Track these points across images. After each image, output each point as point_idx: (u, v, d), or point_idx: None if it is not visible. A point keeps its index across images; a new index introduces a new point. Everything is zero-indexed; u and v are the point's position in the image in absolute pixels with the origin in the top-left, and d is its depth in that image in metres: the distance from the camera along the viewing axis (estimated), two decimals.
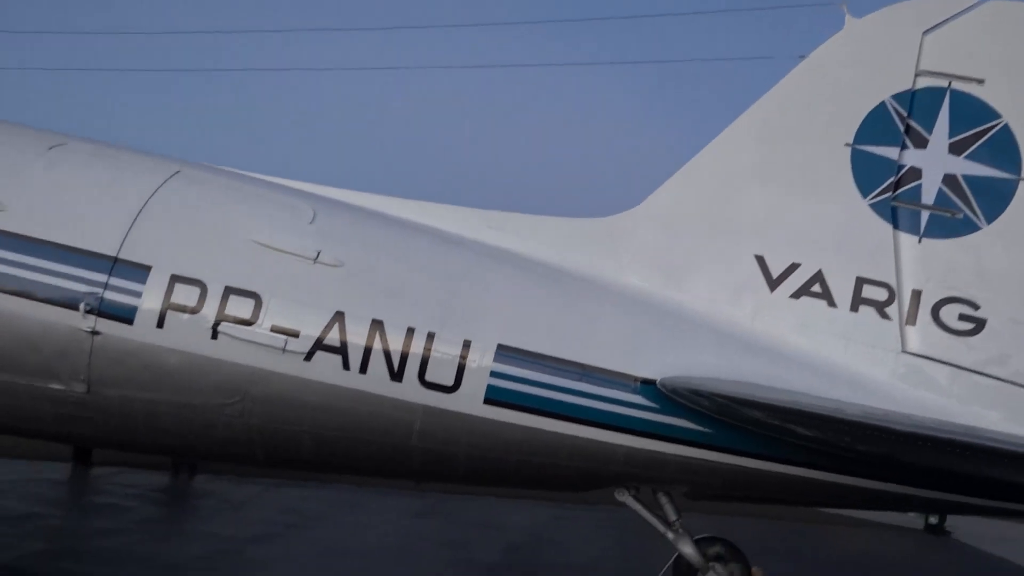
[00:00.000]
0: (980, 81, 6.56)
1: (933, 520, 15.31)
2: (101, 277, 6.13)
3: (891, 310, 6.35)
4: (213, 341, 6.07)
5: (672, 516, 6.51)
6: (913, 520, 15.09)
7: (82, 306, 6.06)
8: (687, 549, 6.35)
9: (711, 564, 6.35)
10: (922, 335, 6.30)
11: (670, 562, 6.57)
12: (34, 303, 6.13)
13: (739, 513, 13.60)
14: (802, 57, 6.90)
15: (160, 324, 6.11)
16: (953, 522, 15.14)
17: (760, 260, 6.56)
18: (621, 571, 9.00)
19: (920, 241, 6.44)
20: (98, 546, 8.69)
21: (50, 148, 6.94)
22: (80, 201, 6.54)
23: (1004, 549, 14.03)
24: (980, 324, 6.27)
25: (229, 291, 6.13)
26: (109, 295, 6.10)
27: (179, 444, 6.71)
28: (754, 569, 6.45)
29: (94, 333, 6.07)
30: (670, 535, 6.43)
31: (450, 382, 6.03)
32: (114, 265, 6.17)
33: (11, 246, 6.23)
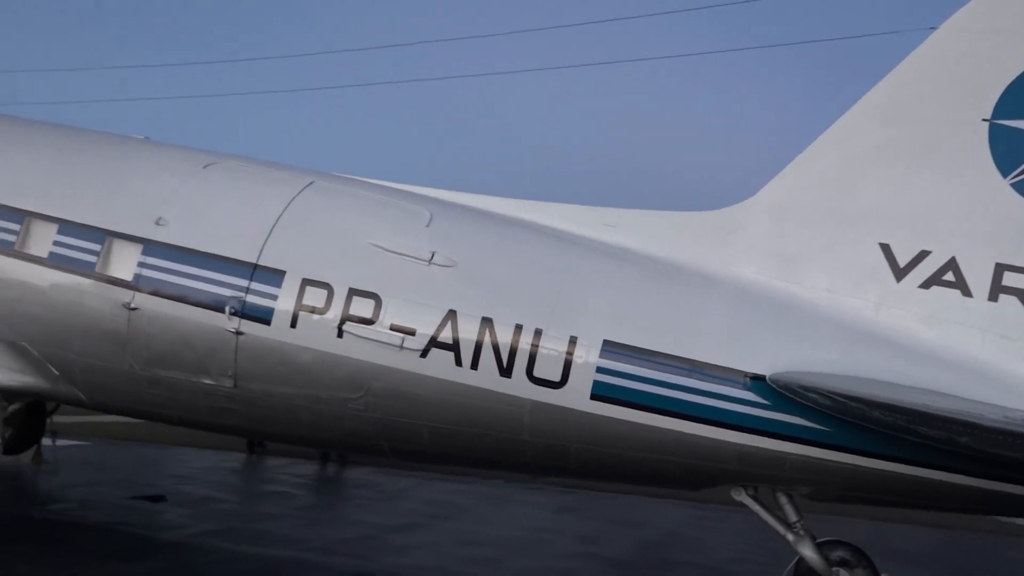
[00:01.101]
0: None
1: None
2: (243, 282, 6.75)
3: None
4: (339, 339, 6.52)
5: (793, 517, 6.26)
6: None
7: (227, 308, 6.71)
8: (808, 552, 6.08)
9: (835, 569, 6.05)
10: None
11: (791, 565, 6.31)
12: (189, 307, 6.85)
13: (891, 519, 12.80)
14: (932, 29, 6.43)
15: (293, 324, 6.63)
16: None
17: (886, 248, 6.18)
18: (751, 572, 8.70)
19: None
20: (258, 528, 9.50)
21: (204, 167, 7.72)
22: (227, 213, 7.23)
23: None
24: None
25: (352, 292, 6.55)
26: (250, 298, 6.71)
27: (314, 435, 7.22)
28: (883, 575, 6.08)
29: (238, 333, 6.69)
30: (791, 537, 6.19)
31: (557, 378, 6.13)
32: (254, 271, 6.77)
33: (170, 256, 7.00)
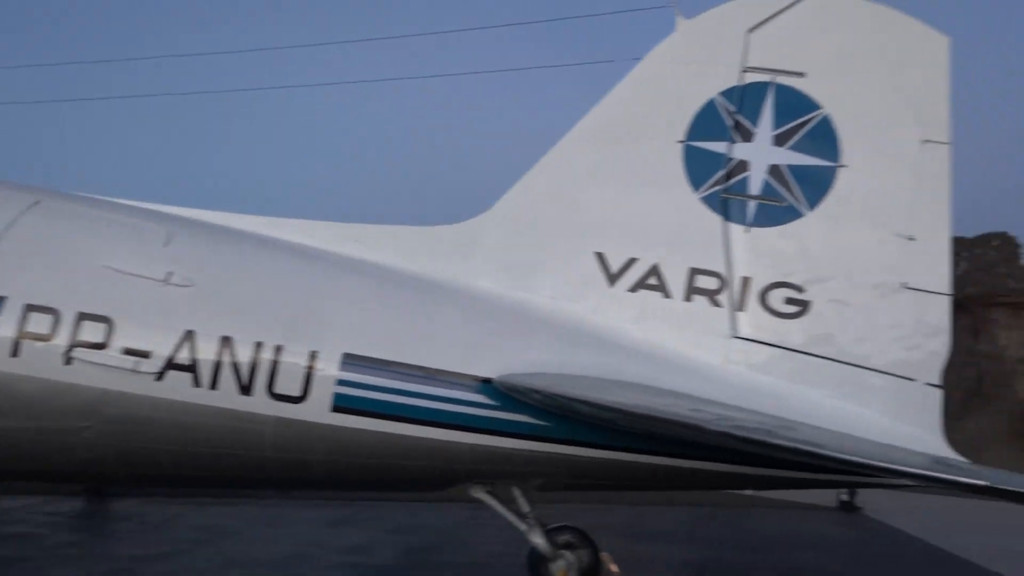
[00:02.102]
0: (801, 74, 6.87)
1: (844, 497, 15.74)
2: None
3: (722, 298, 6.63)
4: (67, 366, 6.23)
5: (525, 508, 6.73)
6: (826, 498, 15.49)
7: None
8: (537, 539, 6.58)
9: (560, 552, 6.59)
10: (751, 320, 6.60)
11: (527, 554, 6.79)
12: None
13: (654, 502, 14.02)
14: (637, 60, 7.19)
15: (15, 353, 6.26)
16: (863, 498, 15.60)
17: (600, 257, 6.83)
18: (509, 565, 9.20)
19: (748, 230, 6.73)
20: None
21: None
22: None
23: (903, 521, 14.56)
24: (805, 306, 6.58)
25: (82, 316, 6.29)
26: None
27: (43, 469, 6.84)
28: (603, 555, 6.70)
29: None
30: (523, 527, 6.66)
31: (298, 392, 6.22)
32: None
33: None
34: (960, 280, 33.64)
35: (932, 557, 11.91)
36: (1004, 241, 39.14)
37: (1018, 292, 24.70)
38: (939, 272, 6.55)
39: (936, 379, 6.45)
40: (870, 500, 15.62)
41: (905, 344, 6.49)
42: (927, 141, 6.65)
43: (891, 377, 6.46)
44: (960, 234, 38.92)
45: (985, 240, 39.20)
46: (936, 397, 6.45)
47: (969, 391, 23.37)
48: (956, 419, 23.35)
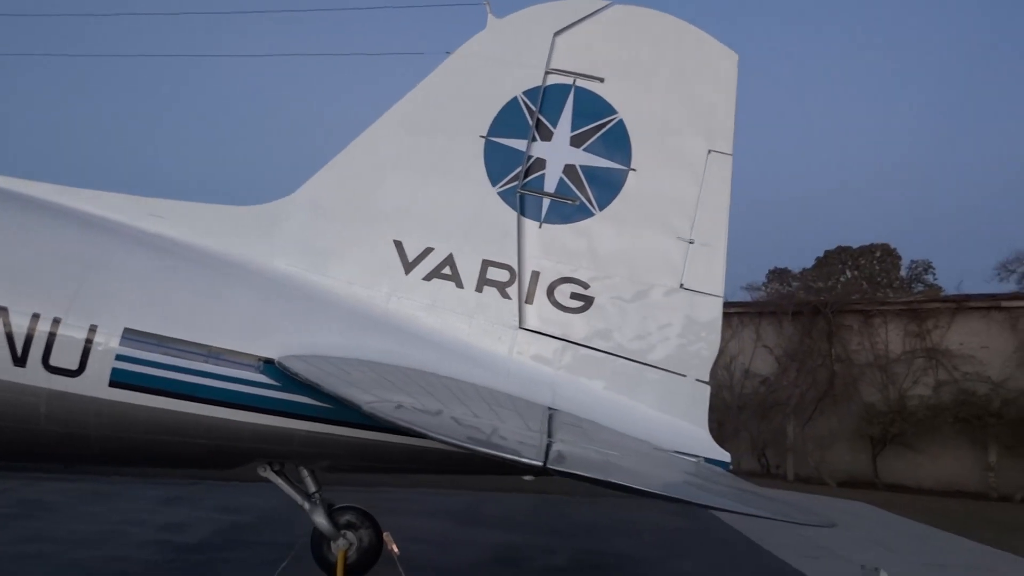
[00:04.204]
0: (601, 79, 7.16)
1: None
2: None
3: (511, 290, 6.87)
4: None
5: (311, 489, 6.85)
6: None
7: None
8: (319, 519, 6.71)
9: (342, 532, 6.73)
10: (538, 312, 6.86)
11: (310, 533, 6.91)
12: None
13: (501, 488, 14.31)
14: (448, 53, 7.34)
15: None
16: None
17: (398, 245, 6.97)
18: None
19: (541, 226, 6.99)
20: None
21: None
22: None
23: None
24: (589, 302, 6.88)
25: None
26: None
27: None
28: (385, 534, 6.87)
29: None
30: (306, 506, 6.77)
31: (75, 366, 6.14)
32: None
33: None
34: (845, 287, 35.51)
35: (735, 549, 12.22)
36: (885, 252, 41.48)
37: (868, 300, 26.14)
38: (714, 275, 6.95)
39: (705, 376, 6.86)
40: None
41: (679, 342, 6.86)
42: (712, 151, 7.04)
43: (665, 372, 6.83)
44: (847, 244, 41.16)
45: (869, 251, 41.45)
46: (705, 392, 6.85)
47: (822, 392, 24.66)
48: (810, 418, 24.76)
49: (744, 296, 28.61)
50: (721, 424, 26.20)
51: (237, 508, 11.96)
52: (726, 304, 27.53)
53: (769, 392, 25.33)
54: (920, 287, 38.29)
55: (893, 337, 24.36)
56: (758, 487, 6.04)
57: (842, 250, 41.14)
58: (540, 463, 4.35)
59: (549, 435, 5.16)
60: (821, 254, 40.51)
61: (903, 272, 40.71)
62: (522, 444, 4.99)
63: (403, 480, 15.25)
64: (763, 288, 31.75)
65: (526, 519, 13.43)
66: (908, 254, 40.42)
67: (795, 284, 37.58)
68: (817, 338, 25.32)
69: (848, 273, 40.85)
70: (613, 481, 4.45)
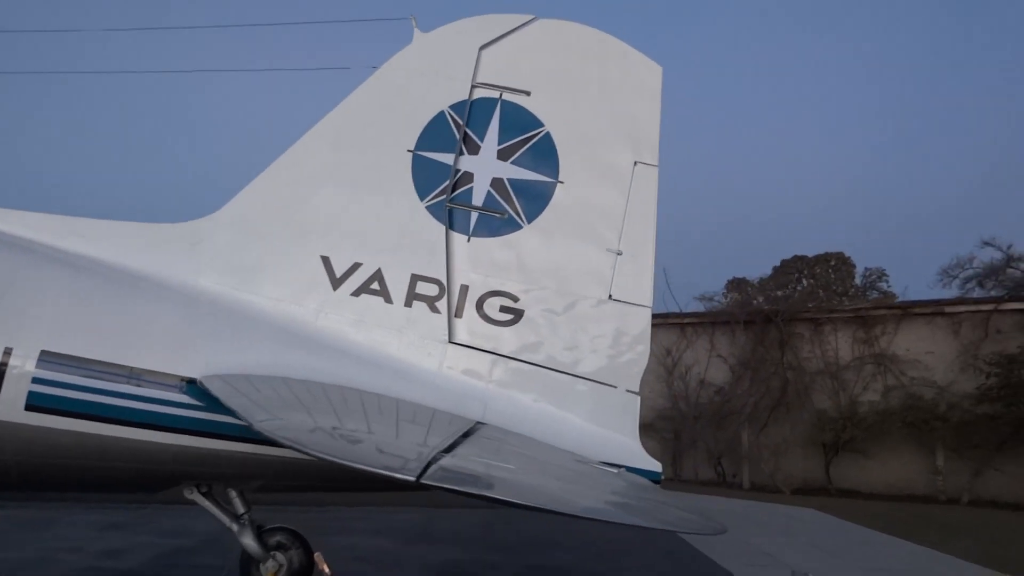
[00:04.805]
0: (527, 93, 7.20)
1: None
2: None
3: (441, 304, 6.85)
4: None
5: (240, 510, 6.73)
6: None
7: None
8: (247, 541, 6.59)
9: (272, 553, 6.62)
10: (468, 326, 6.84)
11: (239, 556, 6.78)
12: None
13: (449, 505, 14.19)
14: (374, 68, 7.33)
15: None
16: None
17: (326, 260, 6.91)
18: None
19: (469, 240, 6.99)
20: None
21: None
22: None
23: None
24: (519, 315, 6.88)
25: None
26: None
27: None
28: (316, 555, 6.77)
29: None
30: (235, 528, 6.65)
31: None
32: None
33: None
34: (801, 296, 35.99)
35: (679, 560, 12.03)
36: (840, 260, 42.17)
37: (818, 308, 26.53)
38: (643, 286, 7.00)
39: (635, 386, 6.89)
40: None
41: (608, 353, 6.89)
42: (638, 163, 7.11)
43: (595, 384, 6.85)
44: (802, 253, 41.79)
45: (824, 259, 42.08)
46: (635, 403, 6.88)
47: (775, 400, 24.93)
48: (764, 427, 25.01)
49: (699, 307, 28.86)
50: (677, 434, 26.41)
51: (181, 532, 11.69)
52: (681, 315, 27.70)
53: (724, 401, 25.55)
54: (875, 294, 38.92)
55: (843, 344, 24.75)
56: (669, 496, 6.05)
57: (798, 259, 41.71)
58: (412, 478, 4.31)
59: (449, 450, 5.12)
60: (778, 263, 41.00)
61: (857, 280, 41.36)
62: (401, 459, 4.97)
63: (354, 499, 15.08)
64: (723, 297, 31.99)
65: (477, 535, 13.33)
66: (862, 262, 41.06)
67: (753, 292, 38.05)
68: (769, 347, 25.62)
69: (804, 282, 41.38)
70: (492, 496, 4.42)
